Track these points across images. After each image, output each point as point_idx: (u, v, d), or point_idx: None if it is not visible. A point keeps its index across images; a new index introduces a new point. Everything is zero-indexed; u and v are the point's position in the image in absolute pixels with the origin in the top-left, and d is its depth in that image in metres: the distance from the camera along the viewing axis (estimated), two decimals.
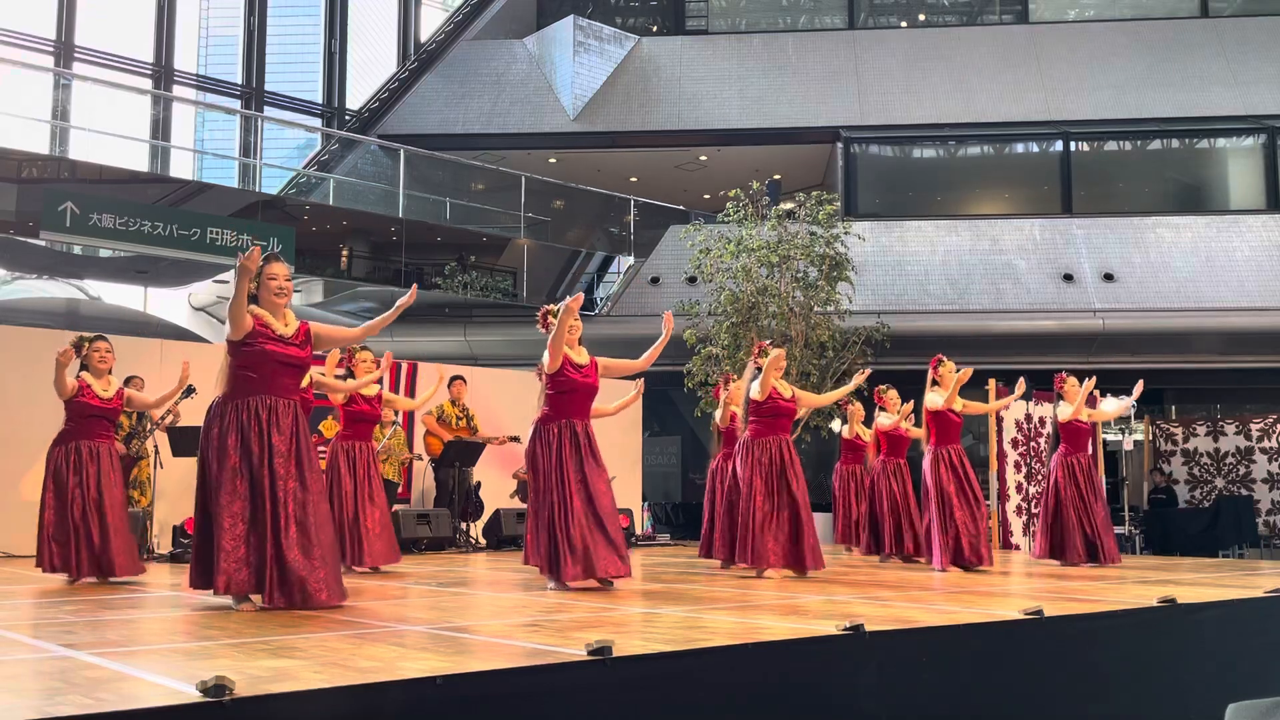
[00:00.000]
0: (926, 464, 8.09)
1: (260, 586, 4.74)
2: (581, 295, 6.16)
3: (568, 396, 6.05)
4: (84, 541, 6.56)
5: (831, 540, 11.24)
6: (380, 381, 7.92)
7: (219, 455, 4.80)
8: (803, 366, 13.61)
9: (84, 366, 6.86)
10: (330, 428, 9.41)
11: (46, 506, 6.64)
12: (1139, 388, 8.96)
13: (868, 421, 10.36)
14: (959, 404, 8.20)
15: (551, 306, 6.26)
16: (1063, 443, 8.79)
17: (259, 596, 4.80)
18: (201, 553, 4.86)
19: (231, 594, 4.77)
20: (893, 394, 9.55)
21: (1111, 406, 9.70)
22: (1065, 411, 8.74)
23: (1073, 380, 8.88)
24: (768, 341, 7.50)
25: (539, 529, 5.96)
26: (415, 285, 5.22)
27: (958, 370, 8.25)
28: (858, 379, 7.90)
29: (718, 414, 9.48)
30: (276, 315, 5.04)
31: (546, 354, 6.09)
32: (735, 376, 10.01)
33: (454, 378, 10.93)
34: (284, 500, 4.76)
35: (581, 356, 6.20)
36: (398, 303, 5.10)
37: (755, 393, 7.24)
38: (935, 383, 8.23)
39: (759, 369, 7.34)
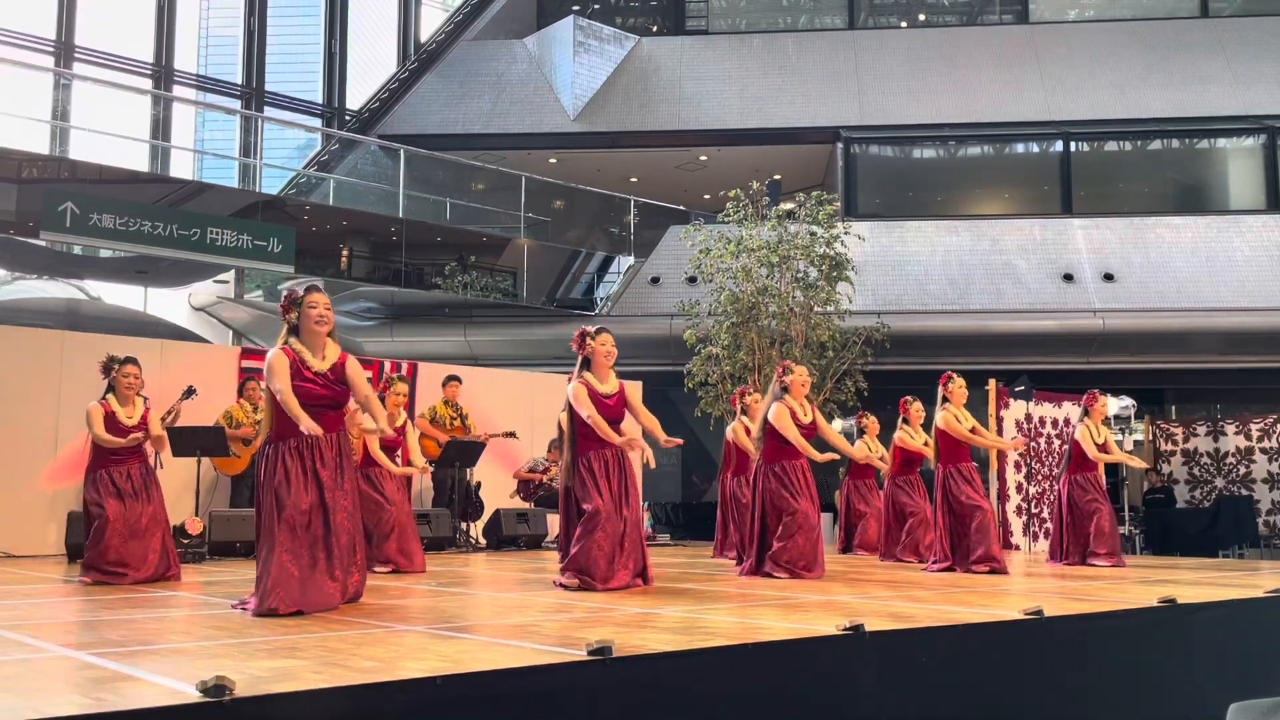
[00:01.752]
0: (937, 481, 8.06)
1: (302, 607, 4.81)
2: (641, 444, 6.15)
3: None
4: (140, 552, 6.63)
5: (834, 549, 11.21)
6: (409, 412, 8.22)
7: (269, 496, 4.92)
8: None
9: (110, 388, 6.80)
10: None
11: (98, 529, 6.60)
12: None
13: (883, 438, 10.28)
14: (969, 423, 8.15)
15: (589, 329, 6.29)
16: (1073, 459, 8.75)
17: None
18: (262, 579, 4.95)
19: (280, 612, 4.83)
20: (917, 406, 9.40)
21: (1112, 408, 9.68)
22: (1079, 431, 8.70)
23: (1104, 400, 8.84)
24: (790, 361, 7.46)
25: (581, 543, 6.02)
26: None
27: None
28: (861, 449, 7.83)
29: (730, 428, 9.49)
30: (315, 347, 5.06)
31: (573, 400, 6.13)
32: (751, 390, 9.98)
33: (449, 378, 10.96)
34: (336, 532, 4.93)
35: (609, 384, 6.25)
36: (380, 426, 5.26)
37: (773, 419, 7.21)
38: (945, 399, 8.17)
39: (785, 387, 7.32)
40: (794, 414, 7.22)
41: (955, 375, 8.24)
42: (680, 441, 6.44)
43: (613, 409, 6.22)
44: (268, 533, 4.87)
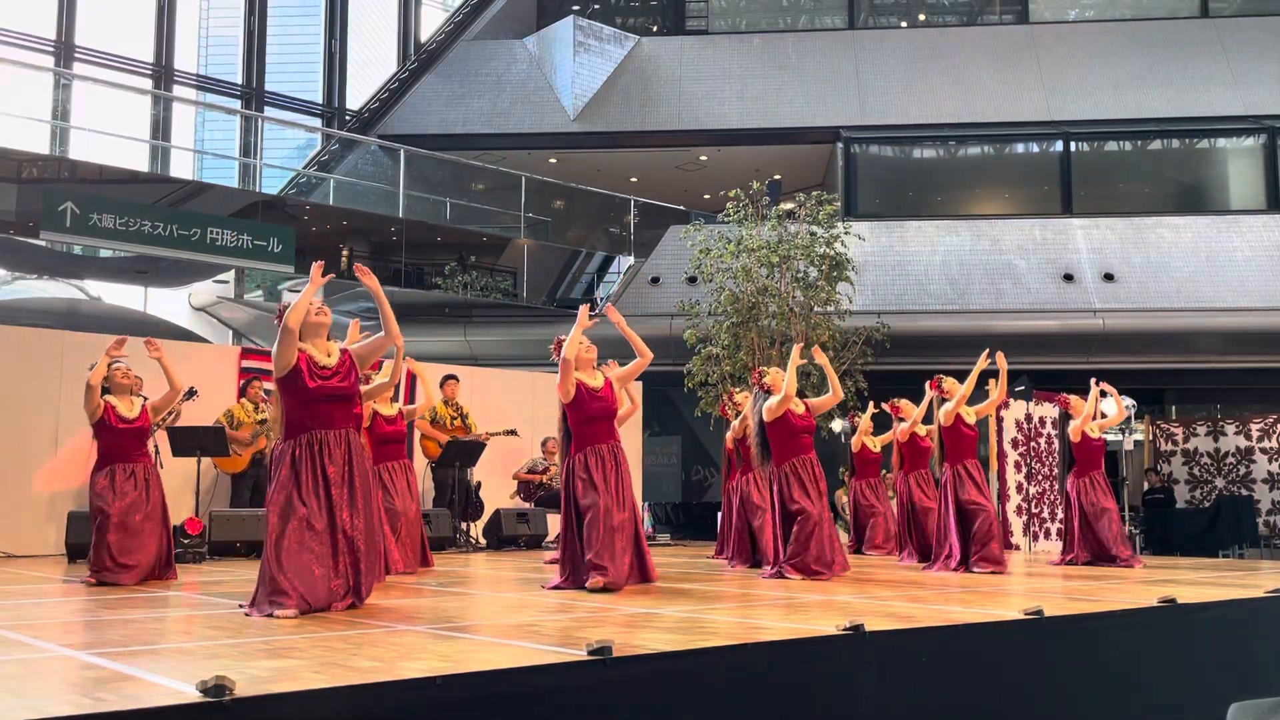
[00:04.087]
0: (945, 481, 8.06)
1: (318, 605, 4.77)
2: (587, 308, 6.25)
3: (587, 422, 6.12)
4: (140, 552, 6.61)
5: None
6: (397, 394, 8.06)
7: (279, 496, 4.84)
8: (803, 367, 13.61)
9: (106, 389, 6.82)
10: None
11: (100, 527, 6.59)
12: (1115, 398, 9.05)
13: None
14: (970, 415, 8.12)
15: (563, 337, 6.28)
16: (1077, 463, 8.78)
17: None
18: (268, 580, 4.80)
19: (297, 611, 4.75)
20: (905, 402, 9.54)
21: (1110, 409, 9.70)
22: (1070, 428, 8.76)
23: (1076, 398, 8.91)
24: (761, 369, 7.48)
25: (578, 547, 6.01)
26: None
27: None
28: (818, 357, 7.64)
29: (730, 432, 9.44)
30: (318, 345, 5.05)
31: (558, 385, 6.14)
32: (738, 390, 9.95)
33: (446, 377, 10.93)
34: (341, 528, 4.85)
35: (596, 379, 6.24)
36: (380, 301, 5.19)
37: (768, 414, 7.15)
38: (943, 401, 8.17)
39: (767, 392, 7.28)
40: (789, 410, 7.18)
41: (944, 378, 8.28)
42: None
43: (603, 404, 6.19)
44: (276, 533, 4.78)
